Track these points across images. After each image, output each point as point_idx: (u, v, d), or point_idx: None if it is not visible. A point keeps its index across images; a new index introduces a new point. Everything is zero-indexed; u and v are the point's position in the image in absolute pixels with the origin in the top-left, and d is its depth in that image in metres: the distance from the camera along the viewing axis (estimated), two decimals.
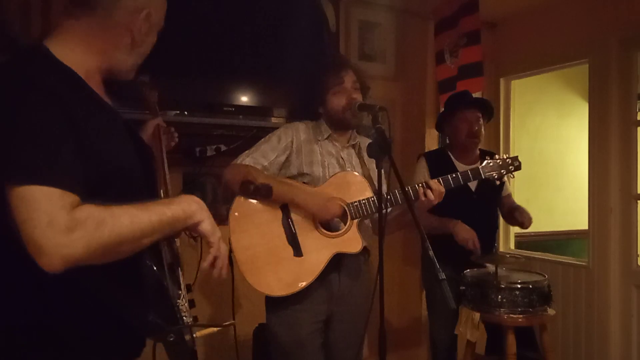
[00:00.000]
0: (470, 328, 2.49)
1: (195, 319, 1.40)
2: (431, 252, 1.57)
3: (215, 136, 2.96)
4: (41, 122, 1.00)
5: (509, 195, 2.98)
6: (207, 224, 1.20)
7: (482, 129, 2.82)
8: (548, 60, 3.55)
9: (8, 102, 1.01)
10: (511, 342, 2.45)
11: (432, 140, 3.54)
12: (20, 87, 1.02)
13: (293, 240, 2.01)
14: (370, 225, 2.20)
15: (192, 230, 1.20)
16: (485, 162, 2.19)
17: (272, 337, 2.11)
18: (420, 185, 2.00)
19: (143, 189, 1.22)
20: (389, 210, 1.95)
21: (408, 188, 1.94)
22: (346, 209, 2.03)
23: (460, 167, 2.75)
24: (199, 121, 2.87)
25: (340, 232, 2.04)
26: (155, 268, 1.17)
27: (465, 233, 2.63)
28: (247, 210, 2.02)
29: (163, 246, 1.28)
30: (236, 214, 2.02)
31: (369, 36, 3.60)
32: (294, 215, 2.04)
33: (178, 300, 1.27)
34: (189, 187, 2.93)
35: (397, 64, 3.70)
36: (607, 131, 3.14)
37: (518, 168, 2.20)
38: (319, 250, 2.01)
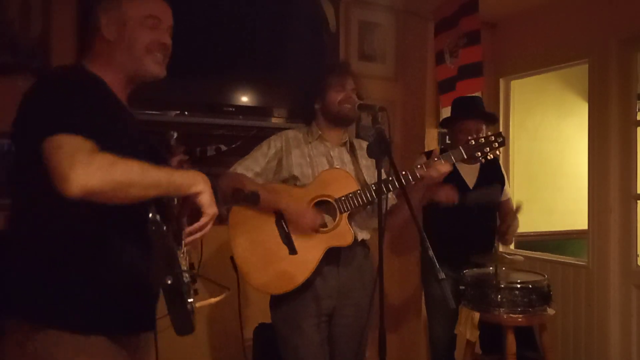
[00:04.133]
0: (469, 328, 2.50)
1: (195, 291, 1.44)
2: (431, 252, 1.57)
3: (215, 136, 2.96)
4: (66, 94, 1.28)
5: (509, 200, 2.97)
6: (206, 196, 1.34)
7: None
8: (548, 60, 3.55)
9: (47, 82, 1.33)
10: (511, 342, 2.45)
11: (432, 140, 3.54)
12: (60, 77, 1.35)
13: (287, 240, 2.09)
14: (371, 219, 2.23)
15: (192, 200, 1.34)
16: (468, 142, 2.14)
17: (277, 333, 2.19)
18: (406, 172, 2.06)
19: None
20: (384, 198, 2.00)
21: (404, 181, 1.97)
22: (334, 204, 2.09)
23: (460, 167, 2.75)
24: (199, 121, 2.88)
25: (330, 227, 2.09)
26: (157, 217, 1.25)
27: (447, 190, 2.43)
28: (243, 217, 2.12)
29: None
30: (233, 222, 2.13)
31: (369, 36, 3.60)
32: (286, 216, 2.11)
33: (179, 253, 1.33)
34: None
35: (397, 64, 3.70)
36: (607, 131, 3.14)
37: (502, 144, 2.14)
38: (312, 246, 2.07)
